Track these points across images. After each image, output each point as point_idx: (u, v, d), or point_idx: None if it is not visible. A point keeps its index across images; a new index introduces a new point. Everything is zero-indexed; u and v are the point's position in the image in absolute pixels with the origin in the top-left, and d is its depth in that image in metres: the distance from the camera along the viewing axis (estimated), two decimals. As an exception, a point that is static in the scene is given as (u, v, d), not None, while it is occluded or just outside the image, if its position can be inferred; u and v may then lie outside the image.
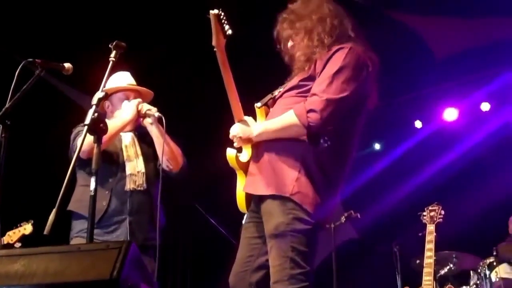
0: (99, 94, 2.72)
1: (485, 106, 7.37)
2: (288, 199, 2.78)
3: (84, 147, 2.83)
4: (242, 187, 3.01)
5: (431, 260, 5.09)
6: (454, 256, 5.88)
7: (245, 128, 3.00)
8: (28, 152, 5.91)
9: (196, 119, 6.81)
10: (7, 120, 2.90)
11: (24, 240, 4.92)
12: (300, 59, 2.97)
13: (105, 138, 2.75)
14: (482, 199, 7.02)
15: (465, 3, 6.29)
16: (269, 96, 3.13)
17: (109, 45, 2.88)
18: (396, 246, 6.07)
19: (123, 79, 3.97)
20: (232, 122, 3.07)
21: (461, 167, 7.28)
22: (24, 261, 2.06)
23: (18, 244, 4.94)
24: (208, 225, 7.34)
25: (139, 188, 3.76)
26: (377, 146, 8.18)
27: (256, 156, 2.98)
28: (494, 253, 5.72)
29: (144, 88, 3.99)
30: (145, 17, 6.14)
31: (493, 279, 5.61)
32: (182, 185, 4.90)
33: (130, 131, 3.92)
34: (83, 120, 2.75)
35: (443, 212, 5.29)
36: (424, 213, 5.34)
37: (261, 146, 2.96)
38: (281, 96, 3.03)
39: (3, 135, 2.87)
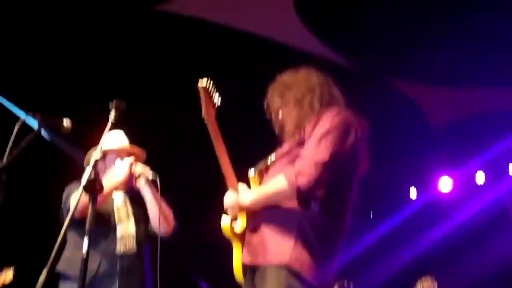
0: (96, 155, 2.70)
1: (480, 177, 7.39)
2: (283, 268, 2.75)
3: (79, 207, 2.81)
4: (239, 256, 2.99)
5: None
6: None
7: (239, 197, 2.99)
8: (21, 204, 5.88)
9: (191, 180, 6.79)
10: (4, 175, 2.89)
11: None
12: (291, 128, 3.00)
13: (99, 198, 2.73)
14: (476, 270, 6.95)
15: (461, 73, 6.41)
16: (263, 163, 3.14)
17: (109, 103, 2.87)
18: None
19: (116, 138, 3.96)
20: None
21: (455, 238, 7.24)
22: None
23: None
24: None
25: (129, 252, 3.74)
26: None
27: (252, 225, 2.96)
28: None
29: (137, 149, 3.98)
30: (140, 76, 6.23)
31: None
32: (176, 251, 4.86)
33: (122, 191, 3.91)
34: (76, 175, 2.74)
35: (436, 285, 5.25)
36: (417, 284, 5.29)
37: (256, 216, 2.95)
38: (274, 163, 3.05)
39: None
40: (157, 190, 3.70)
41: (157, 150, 4.33)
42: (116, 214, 3.81)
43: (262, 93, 3.18)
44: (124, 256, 3.72)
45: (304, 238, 2.79)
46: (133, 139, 4.06)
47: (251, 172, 3.11)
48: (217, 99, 2.99)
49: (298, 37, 6.47)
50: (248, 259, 2.94)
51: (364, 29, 6.07)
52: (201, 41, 6.29)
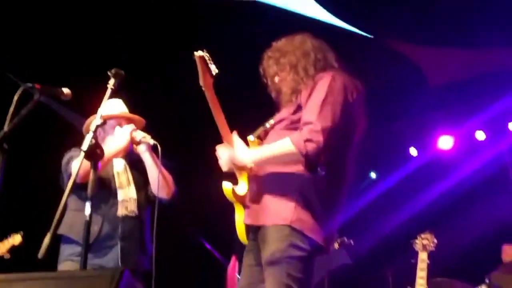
0: (97, 121, 2.74)
1: (480, 135, 7.41)
2: (285, 227, 2.83)
3: (80, 172, 2.86)
4: (241, 218, 3.06)
5: (423, 288, 5.12)
6: (446, 283, 5.88)
7: (238, 154, 3.05)
8: (22, 172, 5.92)
9: (190, 147, 6.82)
10: (5, 144, 2.93)
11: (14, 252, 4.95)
12: (287, 93, 3.06)
13: (100, 163, 2.77)
14: (476, 227, 7.03)
15: (461, 33, 6.37)
16: (261, 128, 3.20)
17: (108, 72, 2.91)
18: (389, 272, 6.08)
19: (115, 106, 3.99)
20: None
21: (455, 195, 7.29)
22: (19, 286, 2.08)
23: (7, 256, 4.96)
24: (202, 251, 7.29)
25: (130, 214, 3.80)
26: (373, 175, 8.19)
27: (254, 188, 3.03)
28: (487, 281, 5.72)
29: (137, 116, 4.01)
30: (141, 47, 6.21)
31: (485, 307, 5.61)
32: (177, 214, 4.92)
33: (121, 157, 3.95)
34: (76, 141, 2.77)
35: (435, 241, 5.31)
36: (417, 241, 5.36)
37: (258, 179, 3.02)
38: (272, 128, 3.11)
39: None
40: (158, 156, 3.73)
41: (156, 118, 4.35)
42: (116, 179, 3.86)
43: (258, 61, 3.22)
44: (125, 219, 3.78)
45: (306, 201, 2.86)
46: (132, 109, 4.09)
47: (251, 137, 3.16)
48: (213, 68, 3.04)
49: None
50: (250, 221, 3.01)
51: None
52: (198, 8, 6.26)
